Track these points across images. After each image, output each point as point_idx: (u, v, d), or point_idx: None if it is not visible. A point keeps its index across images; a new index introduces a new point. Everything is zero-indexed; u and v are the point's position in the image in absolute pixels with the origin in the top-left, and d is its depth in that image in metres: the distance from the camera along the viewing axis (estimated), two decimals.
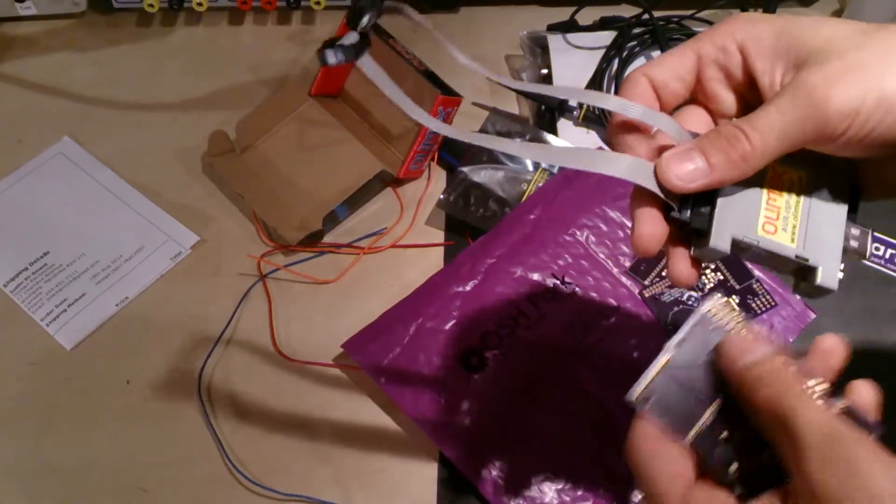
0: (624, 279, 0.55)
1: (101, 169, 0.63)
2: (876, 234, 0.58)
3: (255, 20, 0.73)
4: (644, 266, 0.55)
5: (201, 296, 0.58)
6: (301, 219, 0.57)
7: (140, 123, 0.66)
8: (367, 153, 0.61)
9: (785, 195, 0.30)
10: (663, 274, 0.55)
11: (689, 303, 0.53)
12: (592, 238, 0.56)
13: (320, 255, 0.59)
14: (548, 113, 0.65)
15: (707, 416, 0.28)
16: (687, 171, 0.28)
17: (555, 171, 0.61)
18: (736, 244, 0.29)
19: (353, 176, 0.59)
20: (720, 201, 0.29)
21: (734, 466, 0.28)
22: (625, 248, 0.56)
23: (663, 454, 0.28)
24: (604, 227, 0.56)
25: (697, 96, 0.32)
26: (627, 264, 0.55)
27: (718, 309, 0.29)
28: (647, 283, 0.54)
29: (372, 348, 0.52)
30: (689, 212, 0.30)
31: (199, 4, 0.69)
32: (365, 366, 0.51)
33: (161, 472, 0.51)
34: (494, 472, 0.48)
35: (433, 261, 0.59)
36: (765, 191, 0.30)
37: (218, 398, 0.53)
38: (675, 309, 0.53)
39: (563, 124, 0.64)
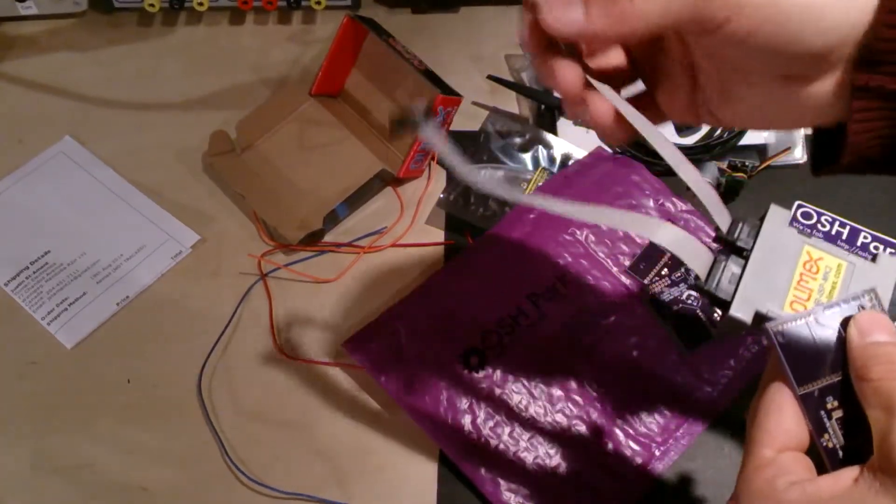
0: (623, 278, 0.55)
1: (102, 168, 0.63)
2: (876, 233, 0.58)
3: (256, 20, 0.73)
4: (644, 265, 0.55)
5: (202, 295, 0.58)
6: (301, 218, 0.58)
7: (141, 123, 0.66)
8: (368, 152, 0.61)
9: (819, 279, 0.30)
10: (663, 273, 0.55)
11: (689, 302, 0.53)
12: (592, 237, 0.56)
13: (321, 254, 0.59)
14: (548, 112, 0.65)
15: (826, 381, 0.29)
16: (565, 17, 0.28)
17: (554, 170, 0.61)
18: (760, 317, 0.30)
19: (353, 175, 0.59)
20: (748, 274, 0.30)
21: (827, 436, 0.28)
22: (624, 248, 0.56)
23: (784, 413, 0.28)
24: (603, 227, 0.56)
25: None
26: (627, 263, 0.55)
27: (875, 296, 0.29)
28: (646, 282, 0.54)
29: (372, 347, 0.52)
30: (716, 283, 0.30)
31: (200, 4, 0.69)
32: (365, 364, 0.51)
33: (162, 470, 0.51)
34: (494, 472, 0.48)
35: (433, 260, 0.59)
36: (798, 270, 0.31)
37: (218, 397, 0.54)
38: (675, 308, 0.53)
39: (563, 123, 0.64)
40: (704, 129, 0.62)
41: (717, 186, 0.60)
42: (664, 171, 0.61)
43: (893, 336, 0.28)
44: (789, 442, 0.28)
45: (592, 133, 0.64)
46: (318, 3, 0.69)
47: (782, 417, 0.28)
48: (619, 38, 0.28)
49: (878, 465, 0.25)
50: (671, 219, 0.57)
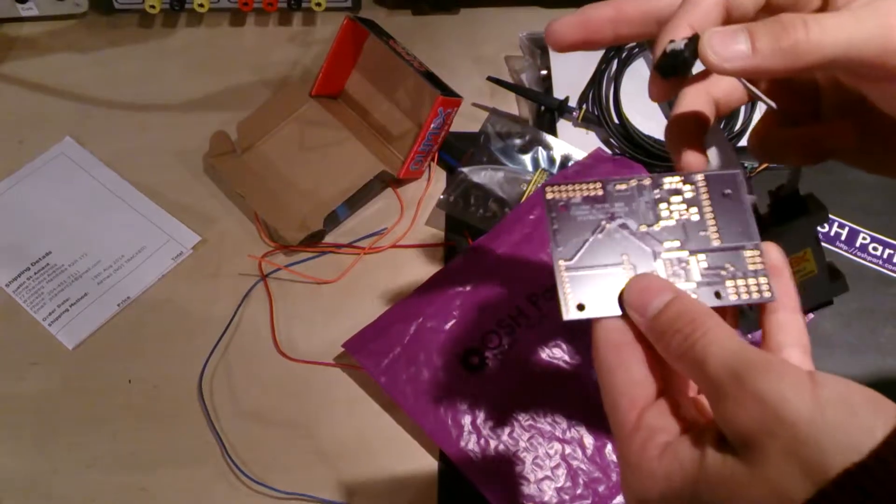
0: None
1: (103, 169, 0.64)
2: (874, 234, 0.58)
3: (257, 21, 0.73)
4: None
5: (203, 296, 0.58)
6: (302, 219, 0.58)
7: (141, 124, 0.66)
8: (368, 153, 0.61)
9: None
10: None
11: None
12: None
13: (321, 255, 0.60)
14: (547, 114, 0.65)
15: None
16: (727, 51, 0.25)
17: (554, 171, 0.61)
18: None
19: (353, 176, 0.59)
20: None
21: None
22: None
23: (627, 365, 0.27)
24: None
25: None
26: None
27: (558, 191, 0.28)
28: None
29: (372, 348, 0.52)
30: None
31: (201, 5, 0.69)
32: (365, 365, 0.51)
33: (162, 471, 0.51)
34: (494, 472, 0.48)
35: (433, 261, 0.59)
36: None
37: (219, 397, 0.54)
38: None
39: (563, 125, 0.64)
40: None
41: None
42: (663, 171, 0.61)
43: (669, 289, 0.26)
44: (647, 394, 0.26)
45: (592, 134, 0.64)
46: (319, 4, 0.70)
47: (626, 376, 0.26)
48: (787, 73, 0.25)
49: (730, 441, 0.23)
50: None
